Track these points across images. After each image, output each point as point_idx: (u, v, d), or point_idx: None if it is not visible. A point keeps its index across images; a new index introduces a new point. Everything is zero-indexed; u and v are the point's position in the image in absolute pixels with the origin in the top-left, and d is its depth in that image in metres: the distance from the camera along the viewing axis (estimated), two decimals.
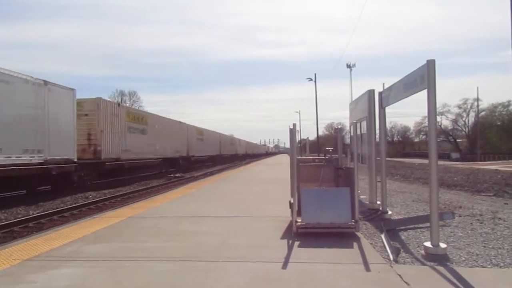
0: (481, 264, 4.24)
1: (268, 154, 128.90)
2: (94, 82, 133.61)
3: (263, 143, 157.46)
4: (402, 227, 6.11)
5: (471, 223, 6.37)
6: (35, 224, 10.01)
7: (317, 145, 49.31)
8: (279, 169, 24.47)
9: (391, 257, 4.46)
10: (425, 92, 4.62)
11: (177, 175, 26.21)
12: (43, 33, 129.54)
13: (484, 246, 4.92)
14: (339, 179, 6.73)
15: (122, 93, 74.77)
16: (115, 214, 7.96)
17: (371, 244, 5.13)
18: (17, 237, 8.35)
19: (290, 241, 5.25)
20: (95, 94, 21.11)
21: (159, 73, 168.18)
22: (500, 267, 4.16)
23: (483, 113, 65.74)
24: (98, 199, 14.39)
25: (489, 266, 4.17)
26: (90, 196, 15.50)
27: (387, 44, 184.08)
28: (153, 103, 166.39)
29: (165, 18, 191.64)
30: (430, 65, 4.52)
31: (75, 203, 13.38)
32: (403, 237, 5.52)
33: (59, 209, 11.96)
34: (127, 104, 61.71)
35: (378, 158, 7.48)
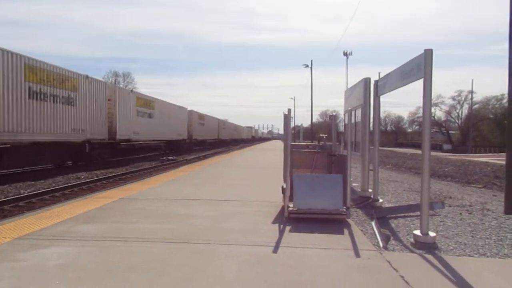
0: (469, 253, 4.31)
1: (255, 140, 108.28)
2: (88, 63, 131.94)
3: (249, 126, 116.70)
4: (393, 215, 6.17)
5: (460, 214, 6.45)
6: (26, 203, 9.98)
7: (311, 132, 49.36)
8: (272, 154, 24.52)
9: (381, 244, 4.51)
10: (420, 82, 4.61)
11: (170, 157, 26.15)
12: (36, 12, 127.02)
13: (472, 236, 4.99)
14: (332, 166, 6.75)
15: (116, 74, 73.87)
16: (107, 195, 7.94)
17: (362, 231, 5.18)
18: (7, 215, 8.32)
19: (282, 226, 5.28)
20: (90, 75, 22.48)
21: (153, 55, 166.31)
22: (487, 256, 4.23)
23: (476, 105, 66.28)
24: (90, 179, 14.35)
25: (476, 256, 4.24)
26: (82, 177, 15.45)
27: (384, 34, 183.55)
28: (147, 85, 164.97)
29: (160, 0, 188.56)
30: (428, 55, 4.50)
31: (66, 183, 13.32)
32: (393, 225, 5.58)
33: (51, 188, 11.91)
34: (122, 86, 61.33)
35: (371, 147, 7.51)
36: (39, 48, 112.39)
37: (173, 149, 32.97)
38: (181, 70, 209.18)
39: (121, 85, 63.06)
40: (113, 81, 68.44)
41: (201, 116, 44.91)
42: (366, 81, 7.36)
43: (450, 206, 7.06)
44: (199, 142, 43.76)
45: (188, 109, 39.42)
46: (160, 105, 29.86)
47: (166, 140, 31.06)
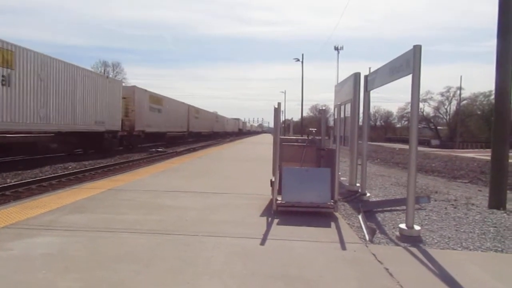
0: (452, 246, 4.40)
1: (243, 133, 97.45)
2: (75, 51, 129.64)
3: (235, 118, 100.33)
4: (379, 209, 6.25)
5: (446, 208, 6.56)
6: (12, 192, 9.87)
7: (301, 126, 49.50)
8: (261, 148, 24.56)
9: (367, 237, 4.58)
10: (409, 77, 4.66)
11: (159, 149, 26.07)
12: None
13: (456, 230, 5.09)
14: (321, 160, 6.80)
15: (105, 64, 72.56)
16: (95, 185, 7.90)
17: (349, 224, 5.25)
18: None
19: (270, 219, 5.32)
20: (75, 62, 16.78)
21: (141, 45, 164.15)
22: (470, 249, 4.32)
23: (464, 102, 67.02)
24: (78, 170, 14.23)
25: (459, 249, 4.33)
26: (70, 167, 15.31)
27: (376, 28, 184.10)
28: (135, 76, 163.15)
29: None
30: (416, 51, 4.55)
31: (54, 173, 13.20)
32: (379, 219, 5.66)
33: (38, 178, 11.79)
34: (111, 76, 59.31)
35: (360, 142, 7.57)
36: (22, 35, 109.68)
37: (79, 146, 20.55)
38: (171, 61, 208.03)
39: (111, 76, 60.50)
40: (103, 71, 67.32)
41: (156, 99, 29.98)
42: (356, 76, 7.39)
43: (435, 201, 7.17)
44: (150, 136, 29.20)
45: (125, 84, 24.80)
46: (39, 64, 15.57)
47: (57, 132, 17.33)
